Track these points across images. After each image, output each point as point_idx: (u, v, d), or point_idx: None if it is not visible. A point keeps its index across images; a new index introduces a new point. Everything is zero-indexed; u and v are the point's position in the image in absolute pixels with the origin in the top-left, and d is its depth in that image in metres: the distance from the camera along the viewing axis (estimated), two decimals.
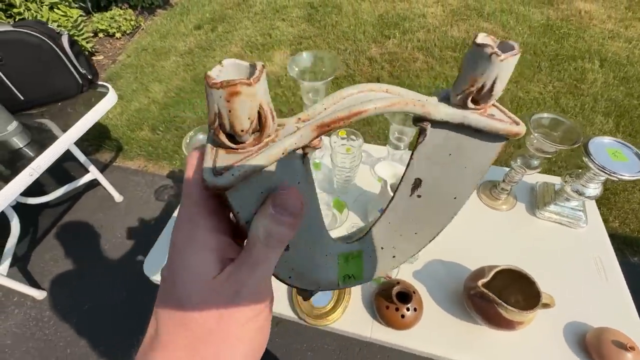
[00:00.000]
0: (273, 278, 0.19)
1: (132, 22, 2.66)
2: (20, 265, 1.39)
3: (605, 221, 0.72)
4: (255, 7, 2.80)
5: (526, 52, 2.17)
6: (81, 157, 1.36)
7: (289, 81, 2.11)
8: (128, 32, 2.66)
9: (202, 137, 0.71)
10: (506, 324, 0.52)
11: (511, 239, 0.70)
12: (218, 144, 0.16)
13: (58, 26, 1.73)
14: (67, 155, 1.36)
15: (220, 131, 0.15)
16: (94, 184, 1.64)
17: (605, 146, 0.61)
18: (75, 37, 2.21)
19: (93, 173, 1.44)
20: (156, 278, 0.69)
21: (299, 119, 0.17)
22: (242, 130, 0.14)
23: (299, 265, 0.22)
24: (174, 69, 2.30)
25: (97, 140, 1.87)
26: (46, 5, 2.09)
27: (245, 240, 0.17)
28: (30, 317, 1.26)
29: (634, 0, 2.56)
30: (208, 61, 2.33)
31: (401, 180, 0.21)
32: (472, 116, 0.18)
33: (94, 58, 2.46)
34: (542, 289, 0.52)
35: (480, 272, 0.56)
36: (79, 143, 1.41)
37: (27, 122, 1.00)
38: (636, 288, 0.61)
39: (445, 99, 0.19)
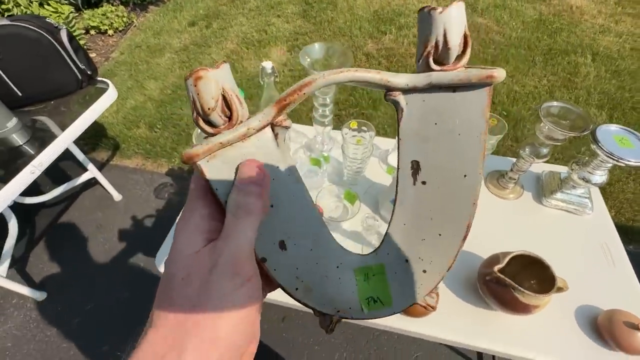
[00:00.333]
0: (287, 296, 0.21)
1: (125, 19, 2.62)
2: (19, 267, 1.36)
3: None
4: (250, 3, 2.77)
5: (520, 47, 2.20)
6: (80, 155, 1.33)
7: (287, 77, 2.10)
8: (120, 29, 2.62)
9: None
10: (522, 308, 0.53)
11: (519, 227, 0.71)
12: (205, 136, 0.18)
13: None
14: (65, 154, 1.34)
15: (200, 119, 0.18)
16: (92, 183, 1.61)
17: (612, 133, 0.62)
18: None
19: (92, 172, 1.42)
20: None
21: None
22: (209, 109, 0.17)
23: (304, 273, 0.20)
24: (170, 65, 2.27)
25: (93, 139, 1.84)
26: (36, 1, 2.04)
27: None
28: (30, 318, 1.24)
29: None
30: (204, 58, 2.30)
31: (398, 169, 0.20)
32: (437, 74, 0.17)
33: None
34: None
35: (494, 259, 0.57)
36: (75, 142, 1.38)
37: (26, 118, 0.98)
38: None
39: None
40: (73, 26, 2.25)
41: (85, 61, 1.05)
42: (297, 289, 0.20)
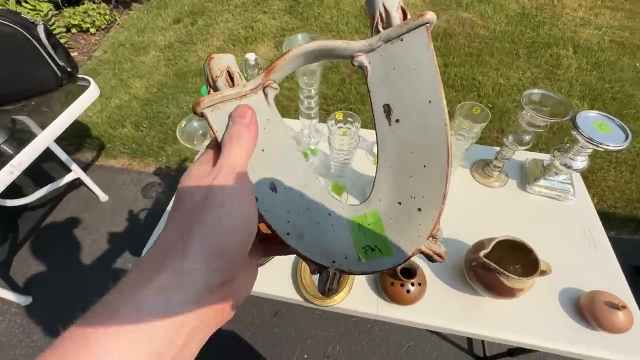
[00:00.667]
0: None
1: (107, 17, 2.56)
2: (2, 271, 1.32)
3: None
4: (235, 0, 2.74)
5: (505, 40, 2.23)
6: (62, 155, 1.30)
7: None
8: (103, 27, 2.56)
9: (196, 124, 0.69)
10: (508, 292, 0.54)
11: (505, 214, 0.72)
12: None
13: None
14: (47, 155, 1.30)
15: (211, 90, 0.22)
16: (77, 184, 1.58)
17: (591, 119, 0.64)
18: None
19: (76, 172, 1.38)
20: None
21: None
22: (216, 76, 0.21)
23: (295, 217, 0.21)
24: (155, 63, 2.23)
25: (76, 139, 1.79)
26: None
27: None
28: (15, 324, 1.21)
29: None
30: (190, 55, 2.27)
31: (374, 117, 0.22)
32: (385, 31, 0.21)
33: None
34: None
35: (480, 245, 0.58)
36: (57, 142, 1.35)
37: (5, 118, 0.95)
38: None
39: None
40: (53, 24, 2.19)
41: (65, 58, 1.02)
42: (288, 233, 0.21)
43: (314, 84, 0.69)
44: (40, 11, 2.08)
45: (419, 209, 0.21)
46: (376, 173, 0.22)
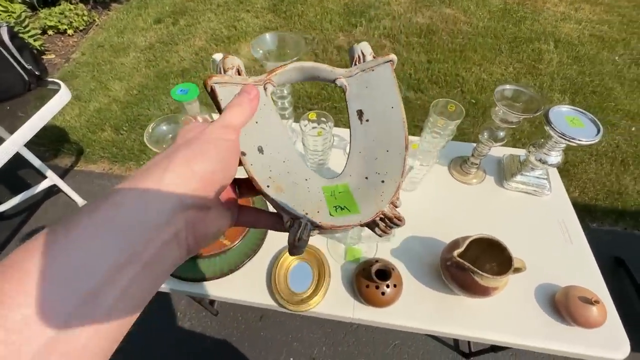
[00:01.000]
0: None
1: (85, 18, 2.49)
2: None
3: (566, 191, 0.76)
4: None
5: (487, 36, 2.25)
6: (36, 161, 1.26)
7: (258, 73, 2.05)
8: (81, 28, 2.49)
9: (165, 127, 0.67)
10: (482, 291, 0.53)
11: (482, 211, 0.72)
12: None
13: None
14: (21, 162, 1.26)
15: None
16: (54, 191, 1.53)
17: (563, 114, 0.63)
18: (20, 35, 2.04)
19: (51, 178, 1.34)
20: None
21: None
22: (228, 68, 0.26)
23: (276, 176, 0.24)
24: (135, 65, 2.18)
25: (54, 144, 1.74)
26: None
27: None
28: None
29: None
30: (171, 56, 2.23)
31: (349, 117, 0.28)
32: (362, 64, 0.28)
33: (44, 57, 2.28)
34: (513, 255, 0.53)
35: (454, 244, 0.58)
36: (33, 148, 1.30)
37: None
38: (596, 252, 0.65)
39: None
40: (27, 26, 2.12)
41: (32, 61, 0.98)
42: (268, 186, 0.24)
43: (285, 84, 0.67)
44: (13, 12, 2.01)
45: (382, 181, 0.25)
46: (347, 157, 0.27)
